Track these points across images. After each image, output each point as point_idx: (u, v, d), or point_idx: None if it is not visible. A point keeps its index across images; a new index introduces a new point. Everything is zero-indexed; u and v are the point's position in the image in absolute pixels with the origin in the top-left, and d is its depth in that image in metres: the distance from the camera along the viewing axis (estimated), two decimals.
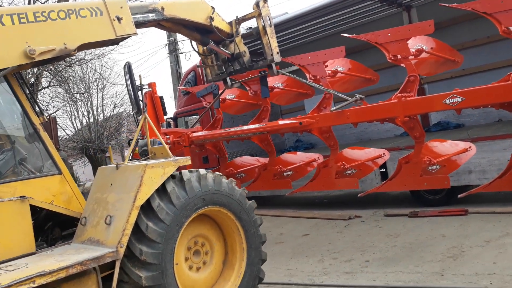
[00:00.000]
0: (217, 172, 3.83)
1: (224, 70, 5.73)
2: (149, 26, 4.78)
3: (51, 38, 3.66)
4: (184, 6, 4.93)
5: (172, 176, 3.51)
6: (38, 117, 3.89)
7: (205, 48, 5.63)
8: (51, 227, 3.81)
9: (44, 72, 14.65)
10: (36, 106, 4.13)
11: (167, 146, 3.79)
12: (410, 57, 4.96)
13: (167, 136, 6.37)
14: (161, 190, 3.43)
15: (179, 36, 15.03)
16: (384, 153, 5.79)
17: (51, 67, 14.25)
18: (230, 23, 5.40)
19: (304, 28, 9.30)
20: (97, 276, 3.09)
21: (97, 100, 16.49)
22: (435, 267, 4.51)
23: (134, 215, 3.20)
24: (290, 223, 7.60)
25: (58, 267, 2.80)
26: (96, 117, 16.29)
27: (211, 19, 5.05)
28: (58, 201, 3.71)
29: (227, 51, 5.42)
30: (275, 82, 6.29)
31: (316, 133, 5.61)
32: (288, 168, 6.24)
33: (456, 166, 5.18)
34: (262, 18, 5.29)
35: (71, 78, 15.66)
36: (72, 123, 16.45)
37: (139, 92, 4.04)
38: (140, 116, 3.97)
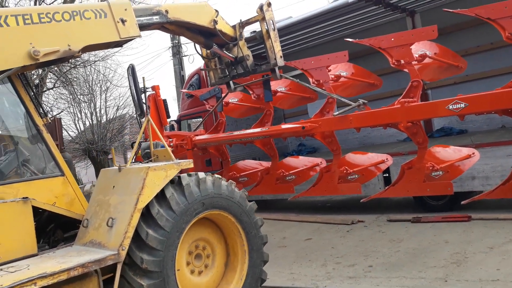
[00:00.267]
0: (216, 175, 3.81)
1: (227, 73, 5.74)
2: (153, 28, 4.80)
3: (55, 40, 3.67)
4: (188, 9, 4.95)
5: (171, 181, 3.49)
6: (42, 118, 3.90)
7: (208, 51, 5.65)
8: (53, 229, 3.81)
9: (49, 73, 14.73)
10: (40, 107, 4.13)
11: (169, 149, 3.78)
12: (414, 62, 4.96)
13: (170, 139, 6.37)
14: (160, 196, 3.40)
15: (183, 39, 15.09)
16: (387, 158, 5.77)
17: (56, 68, 14.33)
18: (233, 27, 5.42)
19: (308, 33, 9.31)
20: (98, 279, 3.08)
21: (101, 102, 16.56)
22: (438, 273, 4.50)
23: (136, 218, 3.20)
24: (293, 227, 7.58)
25: (59, 269, 2.80)
26: (99, 119, 16.34)
27: (215, 22, 5.06)
28: (61, 203, 3.71)
29: (230, 55, 5.43)
30: (278, 86, 6.29)
31: (319, 138, 5.60)
32: (290, 172, 6.23)
33: (460, 172, 5.16)
34: (266, 22, 5.30)
35: (75, 79, 15.73)
36: (75, 125, 16.51)
37: (142, 95, 4.04)
38: (143, 119, 3.97)
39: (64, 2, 14.04)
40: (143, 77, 4.13)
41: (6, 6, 12.03)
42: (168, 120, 8.46)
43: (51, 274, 2.75)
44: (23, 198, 3.33)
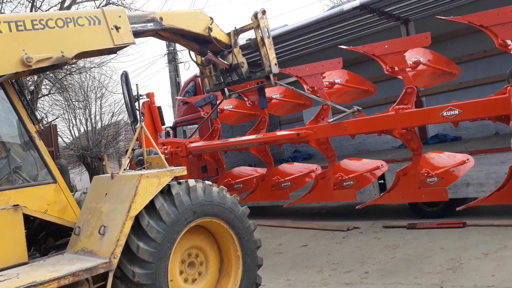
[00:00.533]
0: (207, 181, 3.76)
1: (222, 80, 5.74)
2: (148, 35, 4.80)
3: (48, 46, 3.65)
4: (182, 16, 4.95)
5: (161, 191, 3.43)
6: (34, 125, 3.87)
7: (203, 58, 5.65)
8: (45, 237, 3.76)
9: (45, 80, 14.71)
10: (33, 114, 4.10)
11: (163, 156, 3.76)
12: (407, 69, 4.99)
13: (165, 147, 6.35)
14: (150, 207, 3.34)
15: (179, 46, 15.13)
16: (382, 165, 5.78)
17: (51, 74, 14.31)
18: (228, 34, 5.43)
19: (303, 40, 9.37)
20: (89, 287, 3.04)
21: (96, 108, 16.52)
22: (434, 279, 4.49)
23: (129, 226, 3.16)
24: (289, 233, 7.56)
25: (49, 277, 2.76)
26: (94, 125, 16.29)
27: (210, 29, 5.07)
28: (53, 210, 3.67)
29: (225, 62, 5.44)
30: (273, 93, 6.31)
31: (314, 144, 5.61)
32: (286, 179, 6.23)
33: (455, 178, 5.18)
34: (261, 30, 5.32)
35: (70, 86, 15.71)
36: (70, 131, 16.44)
37: (136, 102, 4.03)
38: (137, 126, 3.95)
39: (60, 9, 14.07)
40: (136, 84, 4.12)
41: (2, 13, 12.03)
42: (163, 127, 8.44)
43: (41, 283, 2.70)
44: (14, 205, 3.29)
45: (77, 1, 15.09)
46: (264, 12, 5.36)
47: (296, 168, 6.48)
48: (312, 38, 9.28)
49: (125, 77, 3.92)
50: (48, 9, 14.02)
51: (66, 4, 14.65)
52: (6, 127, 3.91)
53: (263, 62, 5.42)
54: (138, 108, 4.08)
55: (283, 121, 11.23)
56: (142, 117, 6.17)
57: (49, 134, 11.26)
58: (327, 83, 5.72)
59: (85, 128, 16.31)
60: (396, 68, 5.02)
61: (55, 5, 14.74)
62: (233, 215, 3.79)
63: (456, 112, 4.54)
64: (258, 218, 8.70)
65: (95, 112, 16.46)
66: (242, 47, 5.55)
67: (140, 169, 3.87)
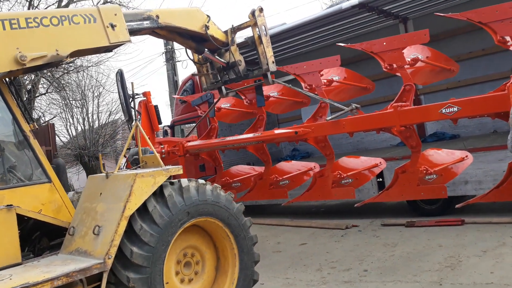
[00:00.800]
0: (200, 180, 3.71)
1: (219, 78, 5.70)
2: (144, 33, 4.76)
3: (43, 44, 3.61)
4: (179, 14, 4.91)
5: (153, 193, 3.37)
6: (29, 124, 3.83)
7: (200, 56, 5.61)
8: (39, 237, 3.72)
9: (42, 79, 14.65)
10: (27, 113, 4.06)
11: (158, 155, 3.72)
12: (406, 66, 4.96)
13: (162, 146, 6.31)
14: (142, 210, 3.29)
15: (176, 45, 15.04)
16: (380, 162, 5.75)
17: (49, 73, 14.25)
18: (225, 32, 5.39)
19: (302, 39, 9.34)
20: None
21: (93, 107, 16.45)
22: (433, 277, 4.48)
23: (123, 226, 3.12)
24: (288, 232, 7.54)
25: (42, 279, 2.72)
26: (91, 124, 16.22)
27: (207, 27, 5.03)
28: (47, 210, 3.63)
29: (222, 60, 5.40)
30: (271, 91, 6.27)
31: (312, 143, 5.58)
32: (284, 177, 6.20)
33: (453, 175, 5.15)
34: (258, 28, 5.28)
35: (67, 85, 15.64)
36: (67, 130, 16.37)
37: (131, 100, 3.99)
38: (133, 124, 3.91)
39: (58, 8, 14.01)
40: (131, 83, 4.08)
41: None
42: (161, 126, 8.39)
43: (34, 284, 2.67)
44: (7, 205, 3.25)
45: (74, 0, 15.03)
46: (261, 10, 5.32)
47: (294, 166, 6.45)
48: (311, 36, 9.25)
49: (120, 76, 3.88)
50: (46, 8, 13.96)
51: (63, 3, 14.59)
52: (0, 126, 3.87)
53: (261, 60, 5.38)
54: (133, 107, 4.04)
55: (282, 119, 11.20)
56: (139, 116, 6.14)
57: (47, 133, 11.20)
58: (325, 80, 5.68)
59: (83, 127, 16.24)
60: (395, 65, 4.99)
61: (53, 4, 14.70)
62: (228, 213, 3.75)
63: (455, 109, 4.52)
64: (257, 217, 8.71)
65: (93, 111, 16.40)
66: (240, 45, 5.51)
67: (135, 169, 3.84)
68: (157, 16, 4.63)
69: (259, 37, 5.29)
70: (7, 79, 3.77)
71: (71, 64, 14.55)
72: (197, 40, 5.20)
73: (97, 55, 13.75)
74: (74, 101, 16.13)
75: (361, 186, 5.99)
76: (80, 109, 16.19)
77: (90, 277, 3.02)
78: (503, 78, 5.04)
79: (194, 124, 8.53)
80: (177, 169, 3.58)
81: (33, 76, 13.65)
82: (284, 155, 11.13)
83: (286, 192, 6.13)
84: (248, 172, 6.67)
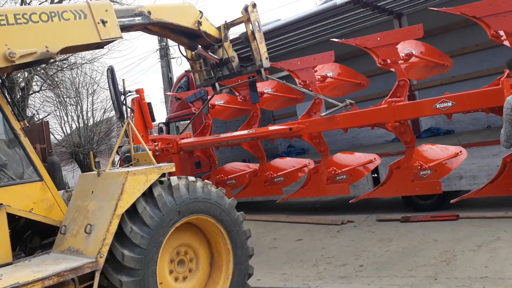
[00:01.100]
0: (190, 178, 3.66)
1: (212, 75, 5.66)
2: (136, 30, 4.71)
3: (32, 41, 3.57)
4: (171, 10, 4.86)
5: (142, 194, 3.32)
6: (19, 122, 3.78)
7: (193, 53, 5.56)
8: (31, 236, 3.69)
9: (35, 76, 14.53)
10: (18, 111, 4.01)
11: (150, 153, 3.68)
12: (400, 62, 4.94)
13: (155, 143, 6.27)
14: (132, 212, 3.24)
15: (171, 41, 14.96)
16: (375, 158, 5.74)
17: (42, 71, 14.14)
18: (218, 28, 5.35)
19: (297, 35, 9.31)
20: None
21: (87, 105, 16.35)
22: (428, 271, 4.50)
23: (115, 224, 3.09)
24: (284, 228, 7.54)
25: (33, 278, 2.69)
26: (86, 122, 16.13)
27: (199, 23, 4.99)
28: (39, 209, 3.60)
29: (215, 56, 5.36)
30: (265, 87, 6.24)
31: (306, 139, 5.56)
32: (279, 174, 6.18)
33: (448, 170, 5.16)
34: (251, 23, 5.24)
35: (61, 82, 15.53)
36: (62, 128, 16.27)
37: (122, 97, 3.94)
38: (125, 121, 3.87)
39: (52, 2, 13.87)
40: (123, 79, 4.03)
41: None
42: (156, 123, 8.34)
43: (25, 284, 2.64)
44: None
45: None
46: (254, 5, 5.28)
47: (288, 163, 6.43)
48: (306, 32, 9.22)
49: (111, 72, 3.84)
50: (43, 2, 13.82)
51: (56, 0, 14.45)
52: None
53: (254, 56, 5.34)
54: (125, 104, 3.99)
55: (277, 116, 11.17)
56: (132, 114, 6.09)
57: (41, 131, 11.11)
58: (319, 76, 5.66)
59: (77, 125, 16.15)
60: (389, 61, 4.97)
61: (45, 0, 14.54)
62: (220, 209, 3.72)
63: (450, 104, 4.51)
64: (253, 213, 8.70)
65: (87, 108, 16.32)
66: (233, 41, 5.47)
67: (127, 166, 3.80)
68: (149, 12, 4.58)
69: (253, 33, 5.25)
70: None
71: (65, 61, 14.44)
72: (190, 36, 5.15)
73: (91, 52, 13.66)
74: (68, 99, 16.03)
75: (355, 182, 5.97)
76: (74, 106, 16.10)
77: (82, 276, 2.99)
78: (496, 74, 5.04)
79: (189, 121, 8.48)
80: (170, 167, 3.55)
81: (26, 74, 13.54)
82: (280, 152, 11.11)
83: (281, 189, 6.12)
84: (242, 169, 6.66)
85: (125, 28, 4.43)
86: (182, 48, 5.48)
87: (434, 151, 5.18)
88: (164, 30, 4.96)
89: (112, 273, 3.08)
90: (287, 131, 5.41)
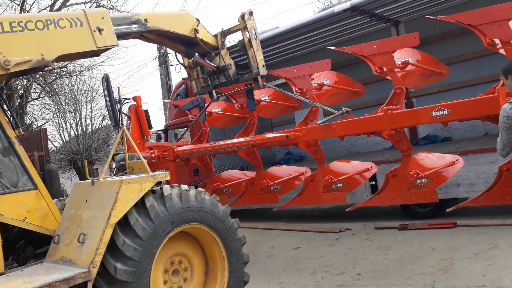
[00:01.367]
0: (183, 186, 3.62)
1: (209, 83, 5.67)
2: (132, 37, 4.72)
3: (27, 49, 3.56)
4: (168, 18, 4.88)
5: (134, 204, 3.28)
6: (14, 130, 3.77)
7: (190, 60, 5.57)
8: (24, 245, 3.65)
9: (34, 83, 14.55)
10: (13, 118, 4.00)
11: (145, 161, 3.66)
12: (396, 70, 4.95)
13: (152, 151, 6.25)
14: (124, 224, 3.20)
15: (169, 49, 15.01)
16: (371, 167, 5.73)
17: (41, 78, 14.16)
18: (215, 36, 5.36)
19: (294, 42, 9.34)
20: None
21: (86, 112, 16.36)
22: (426, 280, 4.48)
23: (108, 234, 3.06)
24: (282, 236, 7.51)
25: None
26: (84, 129, 16.12)
27: (196, 31, 5.00)
28: (33, 218, 3.56)
29: (212, 64, 5.37)
30: (262, 95, 6.24)
31: (303, 147, 5.55)
32: (275, 182, 6.16)
33: (444, 179, 5.15)
34: (248, 31, 5.25)
35: (60, 89, 15.55)
36: (60, 135, 16.25)
37: (120, 105, 3.94)
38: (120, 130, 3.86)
39: (50, 10, 13.93)
40: (118, 87, 4.03)
41: None
42: (154, 130, 8.32)
43: None
44: None
45: (66, 4, 14.97)
46: (251, 13, 5.30)
47: (285, 171, 6.42)
48: (303, 40, 9.25)
49: (106, 80, 3.83)
50: (40, 11, 13.88)
51: (56, 7, 14.52)
52: None
53: (251, 64, 5.35)
54: (121, 111, 3.98)
55: (275, 123, 11.18)
56: (129, 121, 6.08)
57: (39, 138, 11.10)
58: (316, 84, 5.66)
59: (76, 132, 16.14)
60: (385, 69, 4.98)
61: (45, 8, 14.62)
62: (214, 217, 3.68)
63: (445, 112, 4.50)
64: (251, 221, 8.66)
65: (86, 115, 16.32)
66: (230, 49, 5.48)
67: (122, 175, 3.78)
68: (146, 20, 4.59)
69: (249, 40, 5.26)
70: None
71: (63, 69, 14.48)
72: (187, 44, 5.16)
73: (90, 59, 13.71)
74: (67, 106, 16.05)
75: (352, 190, 5.96)
76: (73, 113, 16.10)
77: (74, 286, 2.95)
78: (493, 81, 5.05)
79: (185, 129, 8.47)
80: (165, 175, 3.53)
81: (25, 81, 13.55)
82: (278, 159, 11.11)
83: (277, 197, 6.09)
84: (239, 177, 6.63)
85: (121, 36, 4.43)
86: (179, 55, 5.49)
87: (431, 159, 5.17)
88: (161, 38, 4.97)
89: (104, 287, 3.03)
90: (283, 138, 5.40)
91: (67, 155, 15.68)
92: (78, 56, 4.31)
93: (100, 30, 4.02)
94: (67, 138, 16.23)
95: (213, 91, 5.73)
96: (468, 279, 4.30)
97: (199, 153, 6.37)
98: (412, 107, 8.83)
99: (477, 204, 4.62)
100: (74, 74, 15.09)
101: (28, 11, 13.77)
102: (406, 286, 4.39)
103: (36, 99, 15.59)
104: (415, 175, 4.90)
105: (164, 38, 5.01)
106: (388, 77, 5.01)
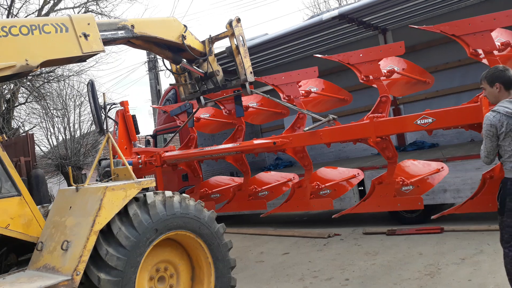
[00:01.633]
0: (167, 193, 3.59)
1: (197, 88, 5.67)
2: (119, 43, 4.71)
3: (11, 54, 3.54)
4: (155, 24, 4.88)
5: (118, 213, 3.25)
6: None
7: (178, 66, 5.58)
8: (6, 252, 3.59)
9: (21, 88, 14.38)
10: None
11: (130, 167, 3.64)
12: (382, 78, 5.01)
13: (139, 156, 6.22)
14: (107, 233, 3.16)
15: None
16: (358, 173, 5.77)
17: (28, 83, 14.00)
18: (203, 42, 5.37)
19: (283, 49, 9.41)
20: None
21: (74, 117, 16.19)
22: (413, 285, 4.50)
23: (92, 241, 3.03)
24: (271, 241, 7.50)
25: None
26: (72, 134, 15.94)
27: (183, 37, 5.01)
28: (16, 224, 3.52)
29: (200, 70, 5.38)
30: (250, 101, 6.27)
31: (290, 153, 5.57)
32: (263, 188, 6.17)
33: (430, 186, 5.20)
34: (236, 38, 5.28)
35: (48, 94, 15.39)
36: (48, 140, 16.05)
37: (105, 111, 3.92)
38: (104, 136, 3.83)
39: (38, 15, 13.82)
40: (103, 93, 4.01)
41: None
42: (142, 135, 8.27)
43: None
44: None
45: (55, 9, 14.87)
46: (238, 20, 5.33)
47: (273, 177, 6.43)
48: (291, 47, 9.32)
49: (91, 86, 3.81)
50: (27, 16, 13.76)
51: (44, 12, 14.40)
52: None
53: (239, 71, 5.37)
54: (106, 118, 3.96)
55: (264, 129, 11.20)
56: (116, 126, 6.05)
57: (26, 143, 10.97)
58: (303, 91, 5.70)
59: (64, 137, 15.95)
60: (371, 77, 5.03)
61: (33, 13, 14.50)
62: (199, 223, 3.65)
63: (430, 120, 4.56)
64: (240, 226, 8.63)
65: (74, 120, 16.15)
66: (218, 55, 5.50)
67: (107, 181, 3.75)
68: (132, 26, 4.59)
69: (237, 47, 5.29)
70: None
71: (51, 74, 14.34)
72: (174, 50, 5.17)
73: (78, 64, 13.59)
74: (55, 111, 15.88)
75: (339, 197, 5.99)
76: (61, 118, 15.93)
77: None
78: (478, 89, 5.11)
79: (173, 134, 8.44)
80: (150, 182, 3.50)
81: (12, 86, 13.40)
82: (268, 164, 11.12)
83: (265, 203, 6.09)
84: (227, 182, 6.62)
85: (108, 42, 4.42)
86: (167, 61, 5.49)
87: (416, 166, 5.23)
88: (148, 44, 4.97)
89: None
90: (270, 145, 5.42)
91: (55, 160, 15.48)
92: (64, 62, 4.30)
93: (86, 35, 4.01)
94: (55, 143, 16.05)
95: (201, 97, 5.74)
96: (454, 284, 4.34)
97: (186, 158, 6.35)
98: (400, 113, 8.96)
99: (461, 211, 4.67)
100: (62, 79, 14.96)
101: (15, 16, 13.64)
102: None
103: (24, 103, 15.41)
104: (401, 182, 4.95)
105: (151, 44, 5.00)
106: (374, 85, 5.07)
